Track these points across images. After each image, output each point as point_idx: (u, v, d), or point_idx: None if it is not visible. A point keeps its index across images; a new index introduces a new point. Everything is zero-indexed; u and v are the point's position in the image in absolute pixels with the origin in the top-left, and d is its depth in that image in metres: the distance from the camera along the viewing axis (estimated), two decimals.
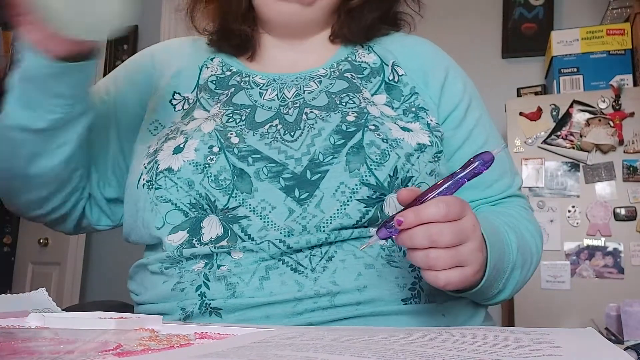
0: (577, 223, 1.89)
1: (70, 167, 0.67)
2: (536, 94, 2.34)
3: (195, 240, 0.60)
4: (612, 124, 1.90)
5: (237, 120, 0.66)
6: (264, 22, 0.75)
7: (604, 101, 1.94)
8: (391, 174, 0.61)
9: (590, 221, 1.88)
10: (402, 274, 0.60)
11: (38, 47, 0.57)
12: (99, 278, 3.09)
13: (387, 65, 0.74)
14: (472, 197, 0.71)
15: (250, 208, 0.59)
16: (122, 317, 0.46)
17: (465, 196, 0.65)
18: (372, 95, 0.70)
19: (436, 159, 0.67)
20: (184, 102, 0.72)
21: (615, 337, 1.56)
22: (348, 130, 0.63)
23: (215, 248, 0.59)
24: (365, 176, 0.60)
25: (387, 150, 0.62)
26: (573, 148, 1.94)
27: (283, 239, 0.58)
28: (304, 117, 0.65)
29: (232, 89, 0.71)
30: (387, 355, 0.30)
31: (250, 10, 0.73)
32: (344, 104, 0.67)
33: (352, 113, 0.65)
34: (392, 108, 0.69)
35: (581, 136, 1.93)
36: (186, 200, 0.61)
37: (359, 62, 0.75)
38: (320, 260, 0.58)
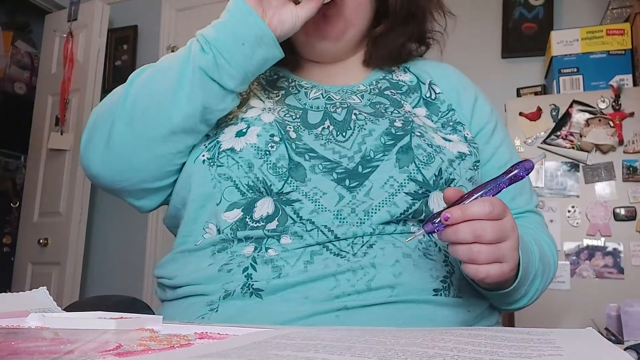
0: (577, 223, 1.89)
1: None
2: (536, 94, 2.34)
3: (248, 218, 0.64)
4: (612, 124, 1.90)
5: (293, 117, 0.71)
6: (300, 53, 0.80)
7: (603, 101, 1.94)
8: (436, 174, 0.66)
9: (590, 221, 1.88)
10: (435, 266, 0.64)
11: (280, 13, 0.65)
12: (99, 278, 3.09)
13: (424, 84, 0.80)
14: None
15: (302, 193, 0.63)
16: (122, 317, 0.46)
17: None
18: (413, 108, 0.76)
19: (475, 167, 0.72)
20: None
21: (615, 337, 1.56)
22: (397, 133, 0.68)
23: (267, 231, 0.63)
24: (414, 173, 0.65)
25: (433, 154, 0.67)
26: (573, 148, 1.94)
27: (332, 228, 0.62)
28: (354, 117, 0.71)
29: (283, 91, 0.76)
30: (387, 355, 0.30)
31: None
32: (389, 112, 0.73)
33: (399, 120, 0.71)
34: (432, 121, 0.75)
35: (581, 136, 1.93)
36: (245, 180, 0.64)
37: (396, 80, 0.80)
38: (362, 247, 0.62)
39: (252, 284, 0.60)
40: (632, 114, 1.90)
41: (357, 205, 0.63)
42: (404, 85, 0.79)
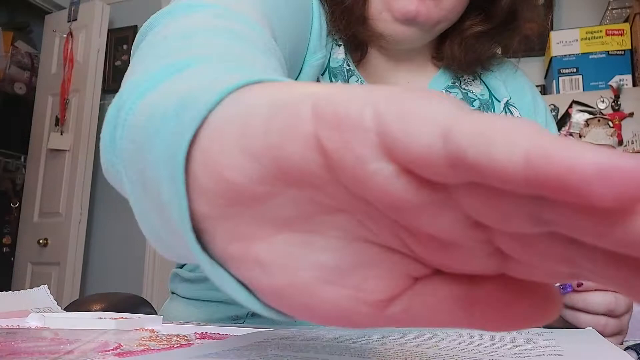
0: None
1: None
2: None
3: None
4: (611, 124, 1.90)
5: None
6: (374, 35, 0.64)
7: (603, 101, 1.94)
8: None
9: None
10: None
11: None
12: (99, 278, 3.09)
13: (499, 102, 0.66)
14: None
15: None
16: (122, 317, 0.46)
17: None
18: None
19: None
20: None
21: None
22: None
23: None
24: None
25: None
26: None
27: None
28: None
29: None
30: (387, 355, 0.30)
31: (364, 20, 0.62)
32: None
33: None
34: None
35: (580, 136, 1.93)
36: None
37: (465, 90, 0.66)
38: None
39: None
40: (631, 114, 1.90)
41: None
42: (474, 100, 0.65)
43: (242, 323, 0.55)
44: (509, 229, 0.14)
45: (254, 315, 0.54)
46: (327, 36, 0.60)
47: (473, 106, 0.64)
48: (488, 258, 0.16)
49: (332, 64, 0.61)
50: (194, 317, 0.59)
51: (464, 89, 0.66)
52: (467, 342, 0.35)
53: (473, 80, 0.67)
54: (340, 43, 0.63)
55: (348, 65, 0.62)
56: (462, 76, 0.67)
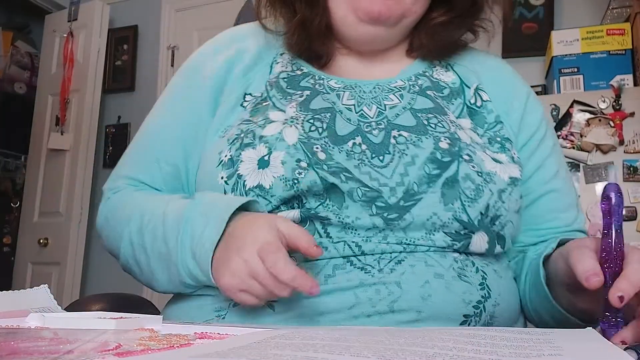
0: None
1: None
2: (536, 94, 2.34)
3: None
4: (612, 124, 1.90)
5: (320, 130, 0.61)
6: (343, 39, 0.71)
7: (604, 101, 1.93)
8: (482, 212, 0.59)
9: (590, 221, 1.88)
10: (470, 290, 0.58)
11: None
12: (99, 278, 3.09)
13: (469, 88, 0.71)
14: (540, 226, 0.70)
15: (336, 214, 0.58)
16: (122, 317, 0.46)
17: (535, 225, 0.70)
18: (457, 118, 0.67)
19: (521, 196, 0.65)
20: (254, 101, 0.67)
21: None
22: (443, 159, 0.60)
23: None
24: (459, 212, 0.59)
25: (481, 186, 0.60)
26: (573, 148, 1.94)
27: (360, 244, 0.57)
28: (392, 140, 0.62)
29: (308, 92, 0.66)
30: (387, 355, 0.30)
31: (329, 27, 0.69)
32: (432, 126, 0.63)
33: (445, 139, 0.62)
34: (478, 135, 0.67)
35: (581, 136, 1.93)
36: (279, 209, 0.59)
37: (436, 79, 0.71)
38: (389, 262, 0.57)
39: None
40: (632, 114, 1.90)
41: (389, 236, 0.58)
42: (445, 87, 0.70)
43: (225, 315, 0.58)
44: None
45: (235, 305, 0.58)
46: (247, 73, 0.70)
47: (443, 93, 0.69)
48: None
49: (270, 77, 0.69)
50: (188, 315, 0.61)
51: (435, 78, 0.71)
52: (467, 342, 0.35)
53: (446, 72, 0.72)
54: (278, 60, 0.70)
55: (300, 69, 0.69)
56: (435, 67, 0.72)
